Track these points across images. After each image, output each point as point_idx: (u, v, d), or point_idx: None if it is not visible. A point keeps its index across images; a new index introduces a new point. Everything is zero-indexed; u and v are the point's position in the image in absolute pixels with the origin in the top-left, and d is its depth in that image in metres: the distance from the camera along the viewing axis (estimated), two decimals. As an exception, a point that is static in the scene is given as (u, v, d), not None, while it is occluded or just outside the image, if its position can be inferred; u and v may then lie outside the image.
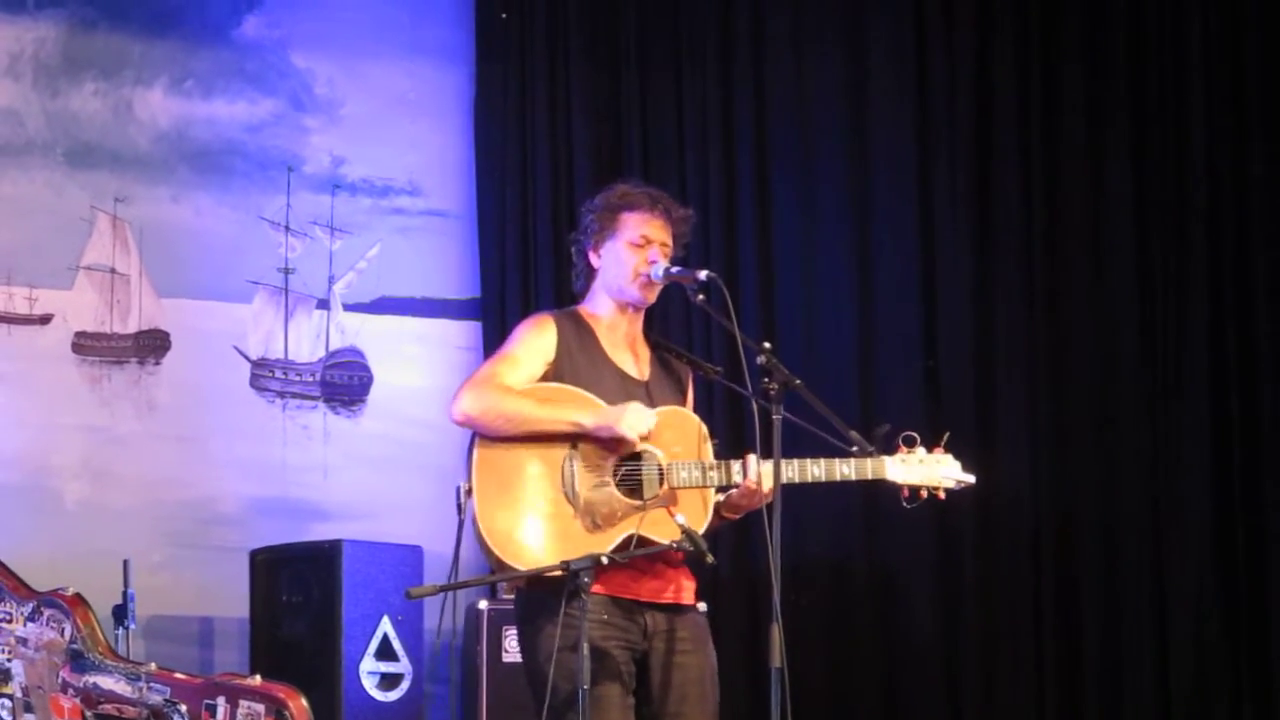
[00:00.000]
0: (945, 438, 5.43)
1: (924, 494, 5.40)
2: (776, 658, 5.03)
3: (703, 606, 5.58)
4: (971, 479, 5.45)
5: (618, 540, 5.20)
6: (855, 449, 5.31)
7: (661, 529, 5.20)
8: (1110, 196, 8.29)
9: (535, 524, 5.23)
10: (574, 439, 5.26)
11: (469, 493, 5.27)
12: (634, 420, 5.22)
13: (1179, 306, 8.19)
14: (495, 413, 5.27)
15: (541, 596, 5.20)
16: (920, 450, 5.39)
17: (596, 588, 5.13)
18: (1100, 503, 8.19)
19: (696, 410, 5.55)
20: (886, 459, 5.36)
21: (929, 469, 5.38)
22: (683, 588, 5.39)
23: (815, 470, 5.29)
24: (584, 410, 5.26)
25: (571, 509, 5.24)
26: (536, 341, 5.41)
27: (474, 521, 5.25)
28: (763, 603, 7.69)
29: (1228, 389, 8.10)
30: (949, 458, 5.42)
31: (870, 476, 5.35)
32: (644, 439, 5.24)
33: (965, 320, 8.29)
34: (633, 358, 5.49)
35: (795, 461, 5.27)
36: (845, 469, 5.33)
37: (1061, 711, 8.11)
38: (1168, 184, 8.26)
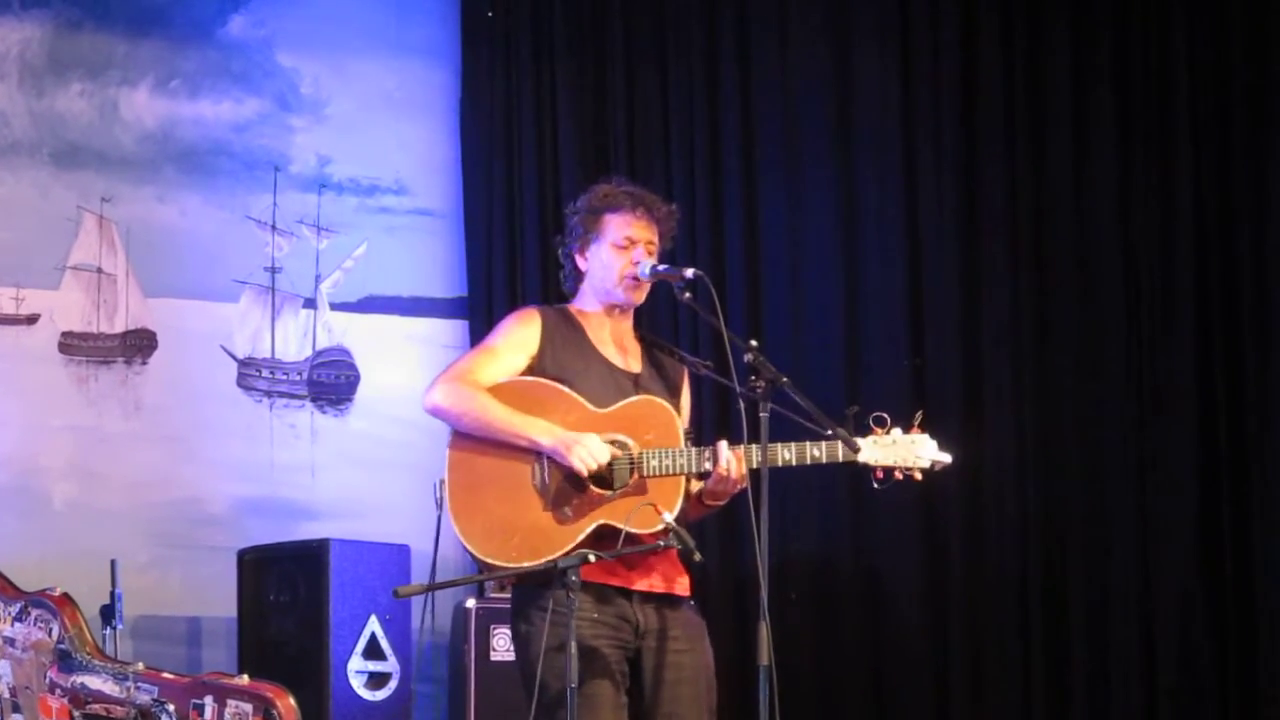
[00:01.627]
0: (919, 416, 5.34)
1: (898, 475, 5.31)
2: (764, 655, 5.03)
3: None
4: (948, 459, 5.33)
5: (587, 530, 5.20)
6: (849, 442, 5.27)
7: (638, 519, 5.19)
8: (1097, 199, 8.31)
9: (505, 519, 5.25)
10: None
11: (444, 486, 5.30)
12: (584, 454, 5.20)
13: (1165, 307, 8.21)
14: (462, 410, 5.30)
15: (532, 592, 5.22)
16: (896, 431, 5.31)
17: (584, 576, 5.12)
18: (1087, 501, 8.20)
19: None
20: (860, 441, 5.26)
21: (902, 449, 5.29)
22: (672, 579, 5.37)
23: (786, 454, 5.26)
24: (543, 431, 5.25)
25: (541, 501, 5.25)
26: (520, 334, 5.42)
27: (449, 518, 5.27)
28: (750, 600, 7.70)
29: (1214, 387, 8.11)
30: (925, 437, 5.32)
31: (841, 459, 5.29)
32: (601, 470, 5.23)
33: (952, 318, 8.30)
34: (621, 353, 5.50)
35: (768, 446, 5.25)
36: (816, 451, 5.28)
37: (1049, 708, 8.12)
38: (1154, 188, 8.27)
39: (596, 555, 5.08)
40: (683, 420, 5.43)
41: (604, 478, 5.26)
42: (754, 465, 5.22)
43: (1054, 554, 8.19)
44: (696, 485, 5.36)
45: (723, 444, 5.26)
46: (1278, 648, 7.91)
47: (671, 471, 5.25)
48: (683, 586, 5.41)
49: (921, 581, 8.20)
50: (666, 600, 5.36)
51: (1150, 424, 8.18)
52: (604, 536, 5.20)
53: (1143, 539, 8.13)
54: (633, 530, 5.19)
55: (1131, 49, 8.34)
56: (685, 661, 5.34)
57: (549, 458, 5.25)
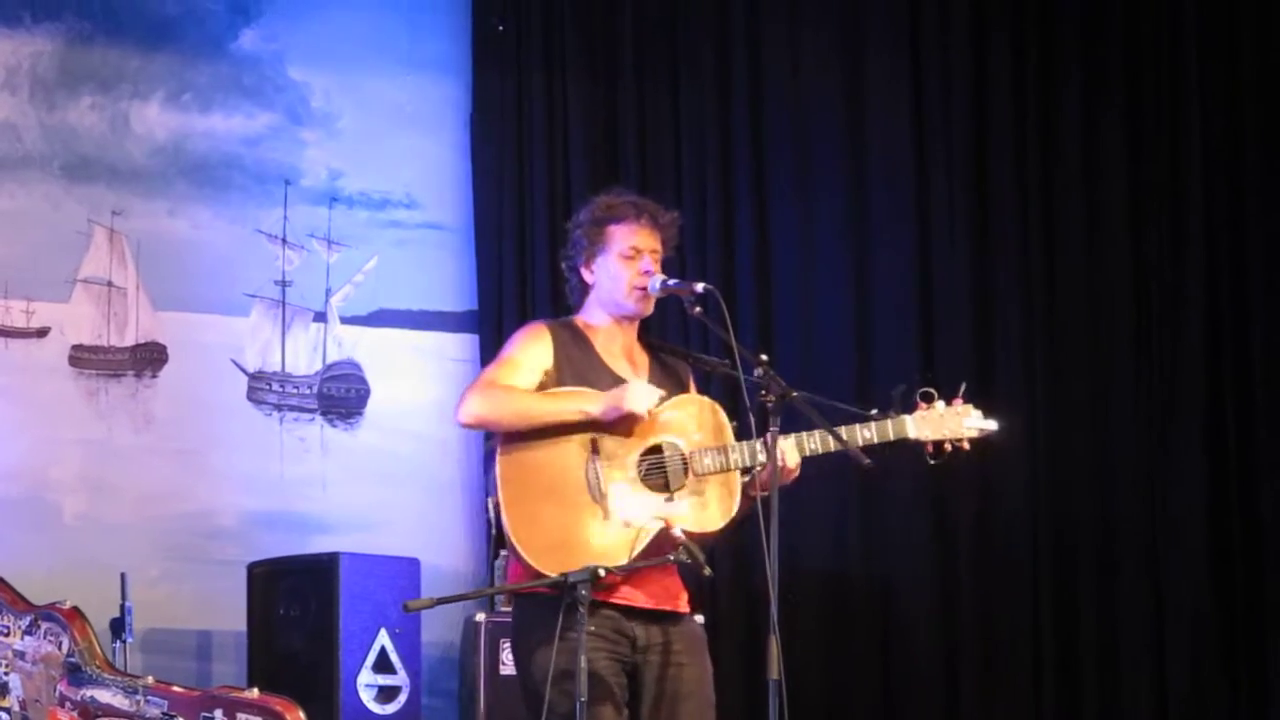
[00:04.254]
0: (962, 388, 5.36)
1: (948, 448, 5.32)
2: (774, 669, 5.01)
3: (699, 618, 5.57)
4: (994, 425, 5.37)
5: (652, 534, 5.18)
6: (858, 457, 5.26)
7: (693, 519, 5.18)
8: (1106, 210, 8.32)
9: (566, 533, 5.21)
10: (592, 439, 5.25)
11: (498, 507, 5.27)
12: (639, 396, 5.22)
13: (1174, 317, 8.23)
14: (502, 408, 5.27)
15: (536, 609, 5.20)
16: (940, 404, 5.33)
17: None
18: (1097, 513, 8.21)
19: None
20: (907, 417, 5.31)
21: (950, 421, 5.32)
22: (672, 595, 5.36)
23: (840, 437, 5.27)
24: (589, 399, 5.25)
25: (601, 510, 5.23)
26: (534, 348, 5.41)
27: (507, 536, 5.25)
28: (760, 614, 7.68)
29: (1223, 394, 8.14)
30: (969, 407, 5.35)
31: (892, 438, 5.29)
32: (654, 417, 5.23)
33: (963, 331, 8.31)
34: (630, 365, 5.48)
35: (817, 433, 5.25)
36: (867, 433, 5.29)
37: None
38: (1164, 198, 8.29)
39: (606, 570, 5.08)
40: None
41: (660, 480, 5.25)
42: (805, 453, 5.24)
43: (1066, 562, 8.21)
44: (743, 478, 5.31)
45: (775, 432, 5.21)
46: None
47: (726, 468, 5.25)
48: (683, 603, 5.40)
49: (932, 594, 8.21)
50: (667, 617, 5.35)
51: (1162, 440, 8.18)
52: (666, 540, 5.19)
53: (1153, 547, 8.15)
54: (683, 528, 5.18)
55: (1143, 60, 8.36)
56: (685, 675, 5.32)
57: (597, 463, 5.24)
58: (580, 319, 5.52)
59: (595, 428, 5.26)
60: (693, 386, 5.57)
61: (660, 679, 5.29)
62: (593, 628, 5.18)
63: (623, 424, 5.27)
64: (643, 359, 5.52)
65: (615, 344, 5.48)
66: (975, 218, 8.38)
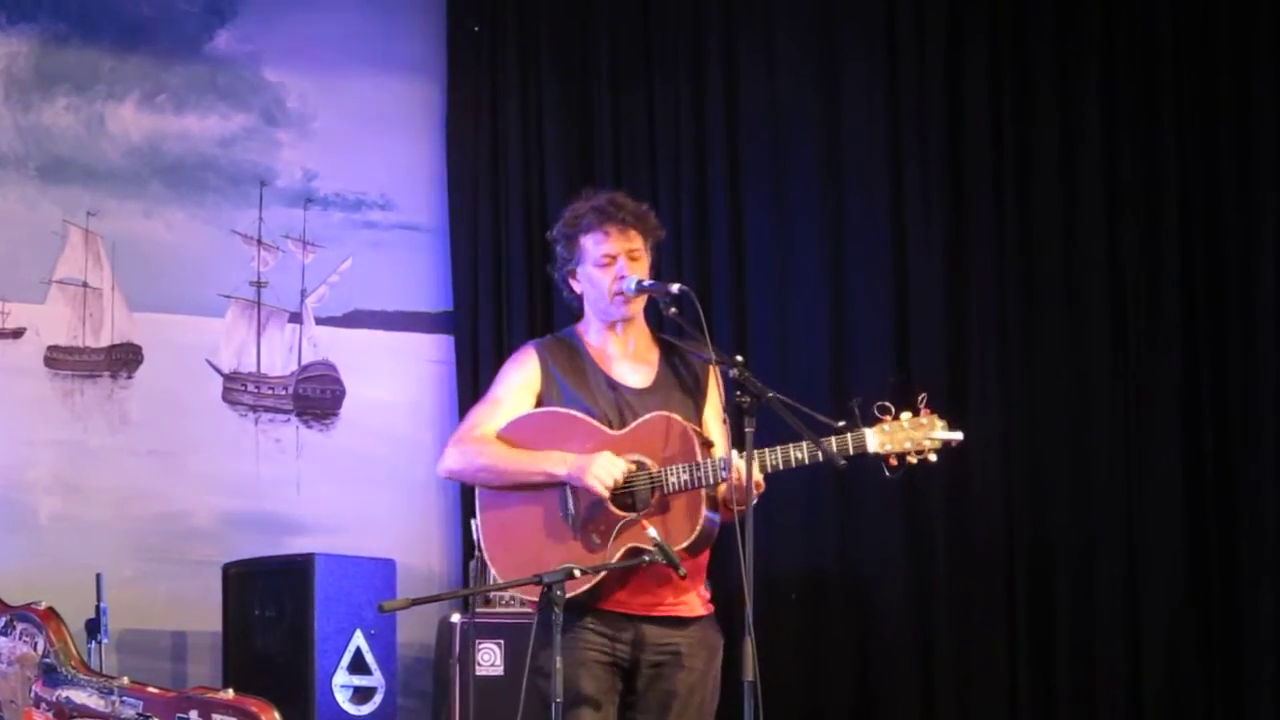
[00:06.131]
0: (923, 398, 5.28)
1: (912, 460, 5.24)
2: (749, 671, 5.04)
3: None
4: (959, 436, 5.29)
5: (616, 555, 5.23)
6: (833, 458, 5.24)
7: (659, 536, 5.21)
8: (1084, 206, 8.33)
9: (536, 554, 5.27)
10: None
11: (478, 529, 5.40)
12: (601, 472, 5.23)
13: (1150, 325, 8.24)
14: (475, 467, 5.39)
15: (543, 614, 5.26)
16: (905, 416, 5.25)
17: (594, 604, 5.22)
18: (1072, 508, 8.21)
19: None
20: (867, 431, 5.22)
21: (914, 432, 5.24)
22: (681, 600, 5.39)
23: (798, 454, 5.24)
24: (555, 462, 5.29)
25: (571, 531, 5.28)
26: (518, 377, 5.47)
27: (486, 558, 5.38)
28: (736, 616, 7.69)
29: (1199, 384, 8.14)
30: (935, 418, 5.27)
31: (851, 452, 5.22)
32: (618, 485, 5.24)
33: (938, 330, 8.31)
34: (630, 369, 5.50)
35: (778, 448, 5.23)
36: (826, 448, 5.23)
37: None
38: (1140, 195, 8.30)
39: (581, 570, 5.10)
40: (710, 421, 5.43)
41: (628, 501, 5.27)
42: (767, 469, 5.21)
43: (1041, 557, 8.21)
44: (723, 488, 5.31)
45: (732, 453, 5.22)
46: (1261, 652, 7.96)
47: (691, 486, 5.26)
48: (691, 607, 5.42)
49: (908, 597, 8.21)
50: (670, 620, 5.38)
51: (1137, 424, 8.20)
52: (633, 559, 5.23)
53: (1129, 540, 8.15)
54: (644, 546, 5.20)
55: (1118, 71, 8.37)
56: (680, 677, 5.36)
57: (571, 487, 5.28)
58: (580, 329, 5.56)
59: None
60: (714, 382, 5.53)
61: (654, 680, 5.34)
62: (590, 626, 5.26)
63: (592, 444, 5.31)
64: (651, 356, 5.53)
65: (615, 349, 5.49)
66: (950, 219, 8.37)
